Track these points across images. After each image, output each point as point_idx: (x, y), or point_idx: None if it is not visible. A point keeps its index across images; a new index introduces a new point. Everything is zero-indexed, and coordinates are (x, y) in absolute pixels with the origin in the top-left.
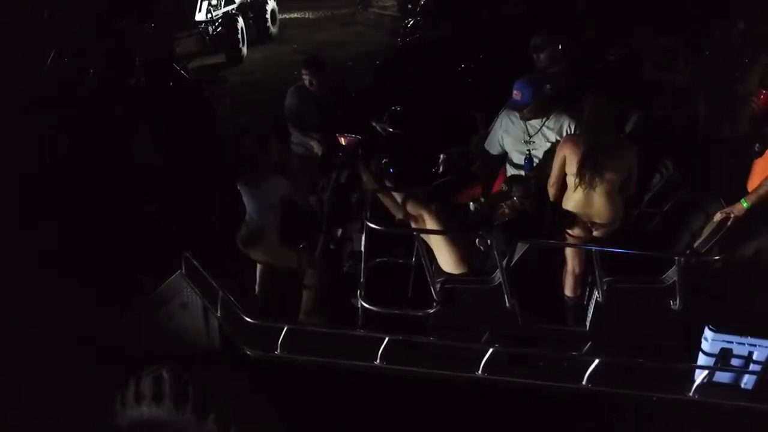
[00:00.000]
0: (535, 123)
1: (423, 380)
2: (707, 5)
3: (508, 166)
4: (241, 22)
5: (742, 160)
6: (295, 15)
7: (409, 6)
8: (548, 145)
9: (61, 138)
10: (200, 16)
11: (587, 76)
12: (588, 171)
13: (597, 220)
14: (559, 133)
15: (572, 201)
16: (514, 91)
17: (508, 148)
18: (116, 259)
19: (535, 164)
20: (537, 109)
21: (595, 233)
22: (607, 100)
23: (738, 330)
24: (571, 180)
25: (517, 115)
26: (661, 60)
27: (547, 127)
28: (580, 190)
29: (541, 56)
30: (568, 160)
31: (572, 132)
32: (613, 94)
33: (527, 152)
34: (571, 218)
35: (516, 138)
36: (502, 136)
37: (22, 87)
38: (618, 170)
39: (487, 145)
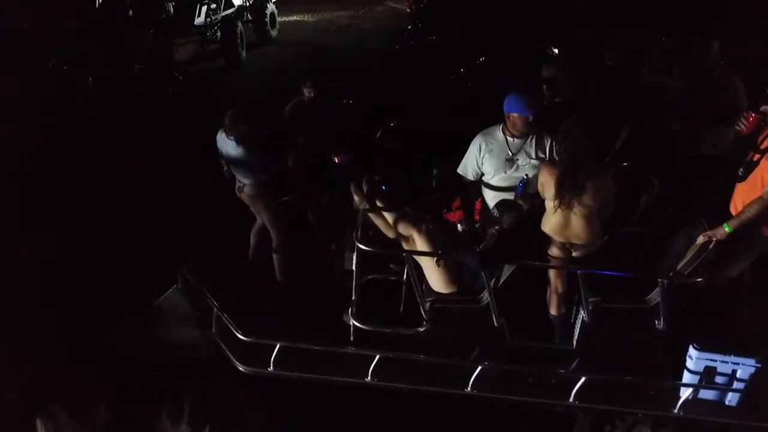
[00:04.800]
0: (518, 142)
1: (414, 396)
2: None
3: (486, 190)
4: (240, 26)
5: (727, 182)
6: (294, 18)
7: (408, 10)
8: (533, 162)
9: (60, 144)
10: (199, 21)
11: (584, 83)
12: (564, 195)
13: (575, 242)
14: (543, 151)
15: (550, 223)
16: (512, 104)
17: (488, 171)
18: (114, 268)
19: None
20: (530, 124)
21: (574, 254)
22: (586, 123)
23: (722, 349)
24: (549, 204)
25: (498, 135)
26: (658, 65)
27: (531, 146)
28: (558, 213)
29: (552, 87)
30: (546, 185)
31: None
32: (598, 112)
33: (525, 177)
34: (551, 240)
35: (498, 158)
36: (483, 159)
37: (22, 92)
38: (595, 196)
39: (461, 171)
